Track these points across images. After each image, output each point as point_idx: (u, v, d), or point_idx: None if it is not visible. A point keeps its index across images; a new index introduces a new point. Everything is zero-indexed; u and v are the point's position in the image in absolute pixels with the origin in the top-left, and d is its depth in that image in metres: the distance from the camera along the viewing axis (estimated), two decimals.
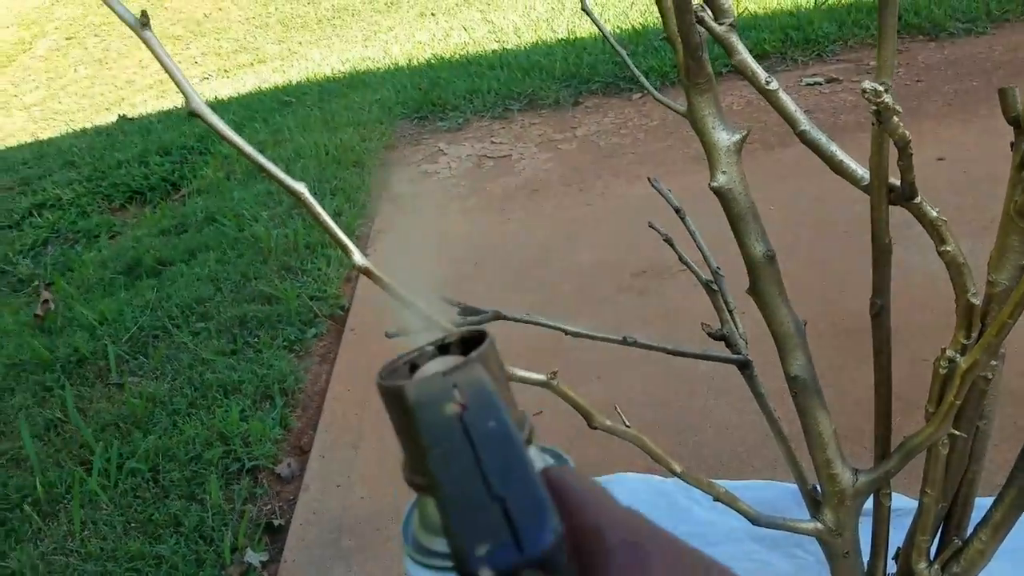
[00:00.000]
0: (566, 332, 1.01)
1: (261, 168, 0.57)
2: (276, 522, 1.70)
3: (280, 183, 0.59)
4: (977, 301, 0.80)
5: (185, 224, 3.27)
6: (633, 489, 1.56)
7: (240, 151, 0.56)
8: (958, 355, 0.81)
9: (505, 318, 0.99)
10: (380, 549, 1.58)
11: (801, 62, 3.74)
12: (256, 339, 2.28)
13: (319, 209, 0.66)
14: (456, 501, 0.26)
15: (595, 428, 0.84)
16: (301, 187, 0.59)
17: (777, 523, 0.94)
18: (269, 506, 1.77)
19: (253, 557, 1.60)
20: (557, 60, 4.18)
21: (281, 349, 2.22)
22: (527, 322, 1.00)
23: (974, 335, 0.81)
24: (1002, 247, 0.77)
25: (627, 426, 0.86)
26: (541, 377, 0.82)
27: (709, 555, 0.27)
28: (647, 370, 1.94)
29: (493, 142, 3.67)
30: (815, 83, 3.55)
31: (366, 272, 0.67)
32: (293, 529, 1.67)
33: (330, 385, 2.12)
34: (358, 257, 0.66)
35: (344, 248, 0.65)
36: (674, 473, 0.90)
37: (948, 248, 0.79)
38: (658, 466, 0.90)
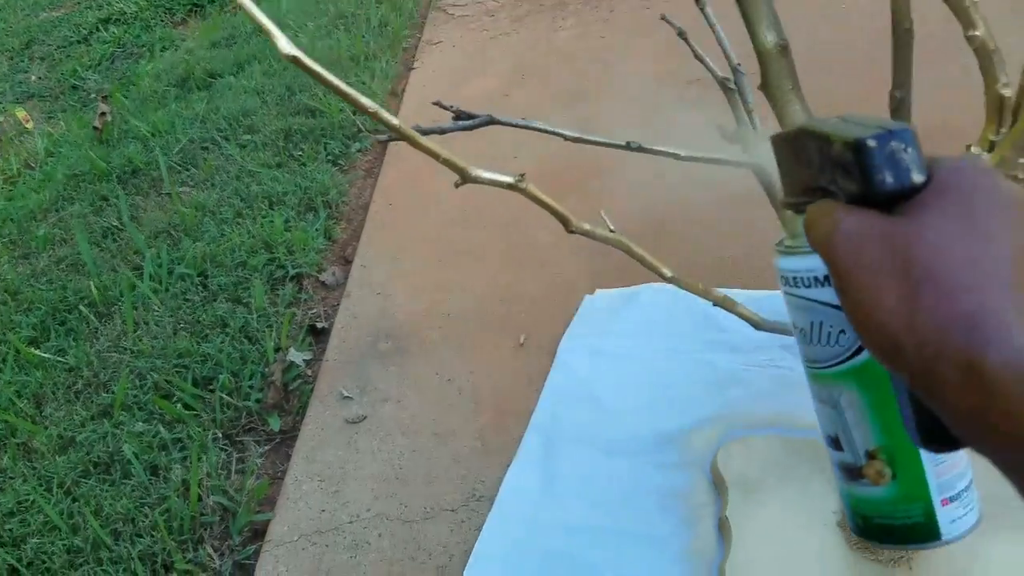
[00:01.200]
0: (564, 137, 0.97)
1: None
2: (319, 325, 1.77)
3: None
4: (1008, 92, 0.72)
5: (235, 36, 3.22)
6: (656, 299, 1.56)
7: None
8: (984, 152, 0.75)
9: (499, 123, 0.95)
10: (414, 350, 1.64)
11: None
12: (300, 152, 2.28)
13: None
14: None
15: (572, 232, 0.81)
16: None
17: (783, 328, 0.92)
18: (314, 310, 1.83)
19: (296, 356, 1.67)
20: None
21: (325, 162, 2.23)
22: (521, 127, 0.96)
23: (1004, 131, 0.74)
24: None
25: (611, 231, 0.84)
26: (508, 179, 0.79)
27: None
28: (691, 192, 1.87)
29: None
30: None
31: (294, 60, 0.65)
32: (335, 331, 1.74)
33: (373, 199, 2.13)
34: (283, 44, 0.63)
35: (267, 32, 0.62)
36: (664, 278, 0.87)
37: (977, 33, 0.71)
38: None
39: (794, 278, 0.40)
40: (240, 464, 1.52)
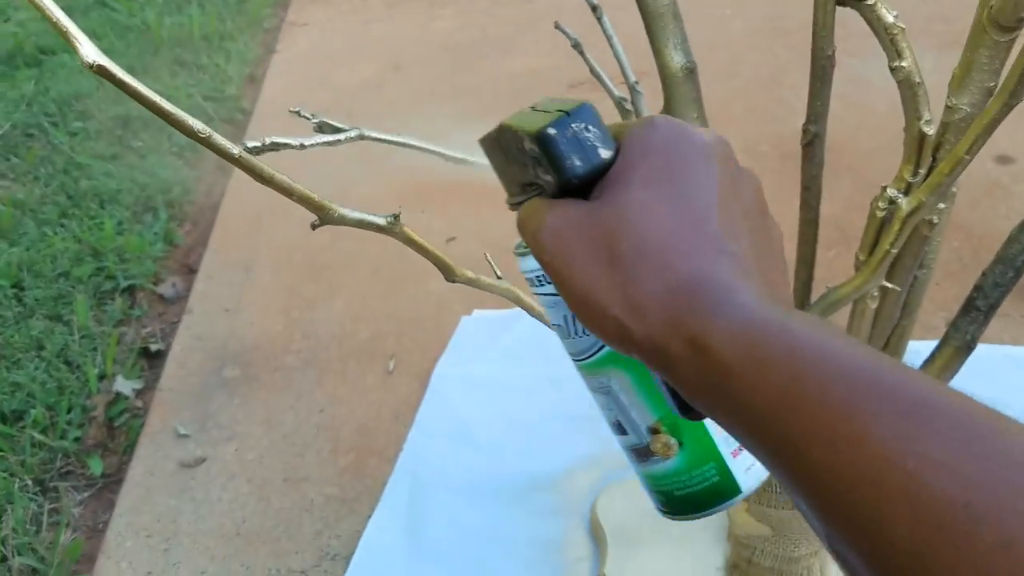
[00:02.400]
0: (445, 158, 0.82)
1: None
2: (154, 347, 1.55)
3: None
4: (930, 131, 0.63)
5: (73, 7, 2.88)
6: (536, 326, 1.43)
7: None
8: (900, 195, 0.65)
9: (369, 138, 0.79)
10: (266, 378, 1.45)
11: None
12: (140, 143, 2.03)
13: None
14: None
15: (454, 282, 0.68)
16: None
17: None
18: (148, 329, 1.61)
19: (124, 385, 1.45)
20: None
21: (168, 155, 1.98)
22: (395, 143, 0.81)
23: (922, 171, 0.65)
24: (968, 64, 0.60)
25: (499, 277, 0.70)
26: (380, 220, 0.64)
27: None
28: None
29: None
30: None
31: (101, 71, 0.48)
32: (173, 355, 1.53)
33: (224, 199, 1.91)
34: (87, 50, 0.46)
35: (64, 34, 0.45)
36: (550, 327, 0.75)
37: (903, 64, 0.62)
38: None
39: (537, 278, 0.41)
40: (53, 516, 1.30)
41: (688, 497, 0.42)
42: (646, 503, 1.27)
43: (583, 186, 0.31)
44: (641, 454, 0.42)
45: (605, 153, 0.31)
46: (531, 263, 0.41)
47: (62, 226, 1.79)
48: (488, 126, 0.37)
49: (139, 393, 1.46)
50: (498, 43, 2.44)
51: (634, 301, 0.26)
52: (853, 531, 0.19)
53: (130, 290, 1.66)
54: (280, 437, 1.35)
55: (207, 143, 0.55)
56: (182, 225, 1.84)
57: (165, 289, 1.67)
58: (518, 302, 0.74)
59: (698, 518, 0.44)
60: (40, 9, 0.46)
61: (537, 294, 0.43)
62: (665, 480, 0.42)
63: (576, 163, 0.31)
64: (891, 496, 0.18)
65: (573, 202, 0.30)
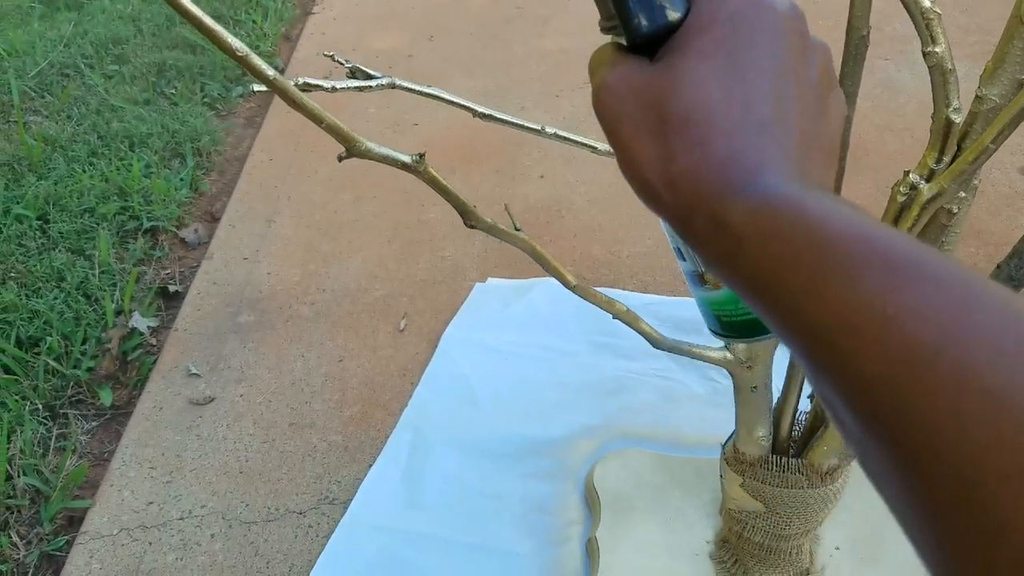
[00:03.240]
0: (474, 113, 0.84)
1: None
2: (172, 288, 1.58)
3: None
4: (958, 118, 0.64)
5: None
6: (550, 294, 1.45)
7: None
8: (923, 181, 0.66)
9: (400, 87, 0.81)
10: (280, 327, 1.47)
11: None
12: (173, 91, 2.05)
13: None
14: None
15: (472, 227, 0.69)
16: None
17: (682, 348, 0.82)
18: (168, 271, 1.63)
19: (140, 321, 1.48)
20: None
21: (200, 105, 2.01)
22: (426, 95, 0.83)
23: (946, 159, 0.66)
24: (1001, 55, 0.61)
25: (517, 228, 0.72)
26: (404, 157, 0.65)
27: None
28: (594, 171, 1.77)
29: None
30: None
31: None
32: (190, 297, 1.55)
33: (251, 151, 1.93)
34: None
35: None
36: (568, 287, 0.76)
37: (936, 49, 0.62)
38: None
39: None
40: (60, 441, 1.33)
41: (733, 324, 0.44)
42: (640, 473, 1.29)
43: (650, 44, 0.31)
44: (696, 280, 0.44)
45: (673, 15, 0.31)
46: None
47: (91, 164, 1.82)
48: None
49: (154, 331, 1.49)
50: (532, 21, 2.45)
51: (669, 173, 0.27)
52: (837, 378, 0.21)
53: (153, 231, 1.69)
54: (288, 384, 1.37)
55: (245, 62, 0.57)
56: (208, 174, 1.87)
57: (187, 234, 1.70)
58: (533, 254, 0.75)
59: (744, 342, 0.48)
60: None
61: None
62: (716, 306, 0.44)
63: (642, 22, 0.31)
64: (868, 339, 0.20)
65: (636, 62, 0.30)
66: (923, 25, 0.62)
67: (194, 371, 1.39)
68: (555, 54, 2.25)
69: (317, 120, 0.62)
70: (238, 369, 1.40)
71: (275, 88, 0.59)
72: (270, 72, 0.59)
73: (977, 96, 0.63)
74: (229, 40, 0.55)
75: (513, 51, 2.29)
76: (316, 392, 1.35)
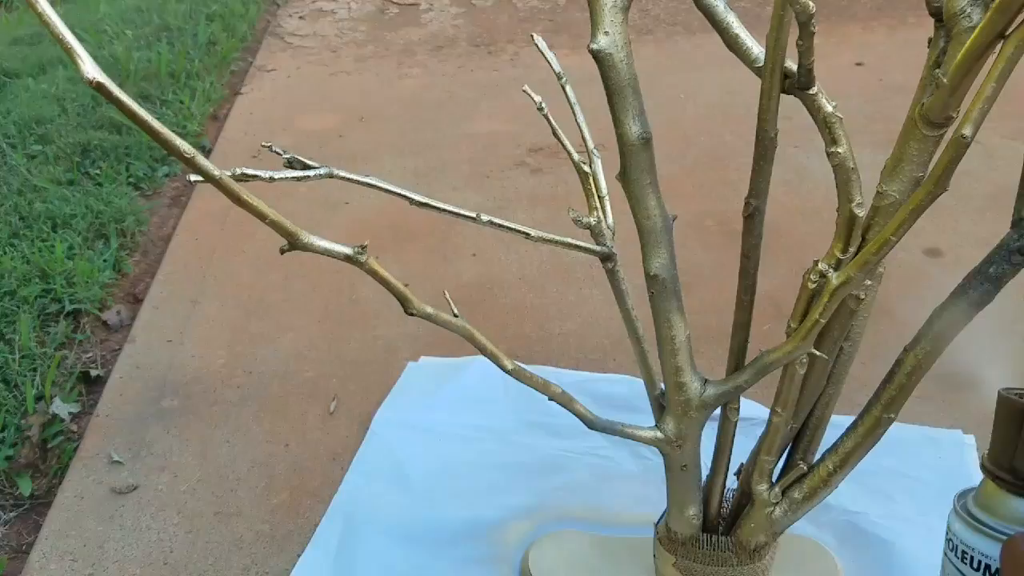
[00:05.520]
0: (411, 201, 0.86)
1: None
2: (94, 372, 1.53)
3: None
4: (861, 213, 0.69)
5: (41, 35, 2.89)
6: (484, 373, 1.46)
7: None
8: (831, 269, 0.71)
9: (337, 177, 0.83)
10: (204, 411, 1.44)
11: None
12: (98, 171, 2.03)
13: None
14: None
15: (411, 315, 0.71)
16: None
17: (615, 428, 0.84)
18: (89, 354, 1.59)
19: (61, 407, 1.43)
20: None
21: (125, 185, 1.99)
22: (362, 183, 0.85)
23: (852, 250, 0.71)
24: (899, 155, 0.66)
25: (455, 315, 0.74)
26: (347, 250, 0.67)
27: None
28: (525, 250, 1.82)
29: None
30: None
31: (99, 88, 0.51)
32: (112, 382, 1.51)
33: (176, 231, 1.91)
34: (88, 67, 0.50)
35: (68, 49, 0.49)
36: (505, 371, 0.78)
37: (839, 150, 0.68)
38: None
39: (964, 553, 0.42)
40: None
41: None
42: (574, 555, 1.30)
43: None
44: None
45: None
46: (978, 541, 0.42)
47: (12, 246, 1.77)
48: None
49: (75, 417, 1.44)
50: (462, 105, 2.52)
51: None
52: None
53: (75, 314, 1.64)
54: (213, 471, 1.34)
55: (191, 163, 0.59)
56: (132, 255, 1.84)
57: (110, 316, 1.66)
58: (471, 340, 0.77)
59: None
60: (47, 25, 0.50)
61: (952, 564, 0.46)
62: None
63: None
64: None
65: None
66: (825, 128, 0.68)
67: (116, 458, 1.35)
68: (484, 136, 2.32)
69: (261, 216, 0.63)
70: (161, 456, 1.36)
71: (222, 188, 0.60)
72: (216, 172, 0.60)
73: (878, 191, 0.68)
74: (176, 142, 0.56)
75: (444, 132, 2.35)
76: (242, 479, 1.32)
